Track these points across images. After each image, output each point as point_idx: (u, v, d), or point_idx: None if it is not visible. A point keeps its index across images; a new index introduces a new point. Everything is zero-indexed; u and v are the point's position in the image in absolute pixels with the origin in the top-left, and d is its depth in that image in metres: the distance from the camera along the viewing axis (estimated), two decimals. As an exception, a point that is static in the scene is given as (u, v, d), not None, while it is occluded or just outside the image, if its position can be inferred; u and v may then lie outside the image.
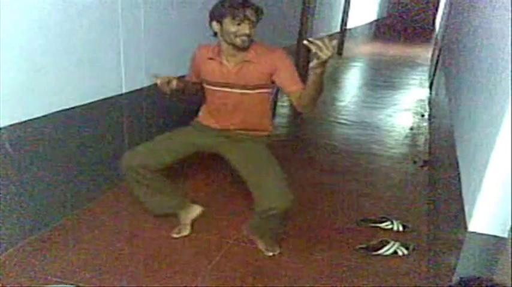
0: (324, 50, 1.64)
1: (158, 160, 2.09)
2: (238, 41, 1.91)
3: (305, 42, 1.66)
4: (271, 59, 2.01)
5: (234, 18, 1.86)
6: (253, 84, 2.06)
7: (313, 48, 1.64)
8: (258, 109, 2.16)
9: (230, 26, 1.88)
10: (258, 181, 1.97)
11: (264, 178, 1.97)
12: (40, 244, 2.16)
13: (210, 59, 2.06)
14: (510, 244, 1.27)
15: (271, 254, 2.18)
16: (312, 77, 1.79)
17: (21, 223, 2.12)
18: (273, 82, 2.09)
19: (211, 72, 2.08)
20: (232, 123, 2.18)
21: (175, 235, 2.29)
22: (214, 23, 1.96)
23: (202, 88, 2.25)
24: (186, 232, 2.30)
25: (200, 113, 2.31)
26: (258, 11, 1.93)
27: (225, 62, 2.03)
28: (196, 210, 2.39)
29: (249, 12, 1.87)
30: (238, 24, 1.88)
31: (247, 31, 1.88)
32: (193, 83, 2.28)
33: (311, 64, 1.72)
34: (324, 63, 1.70)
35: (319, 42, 1.63)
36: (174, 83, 1.99)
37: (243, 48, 1.96)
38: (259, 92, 2.10)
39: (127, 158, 2.10)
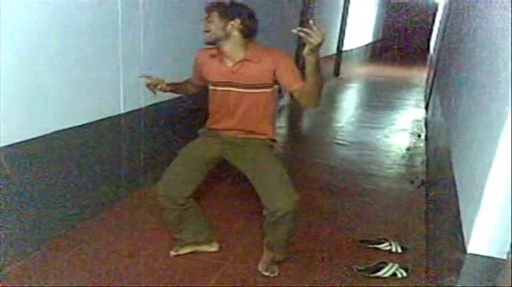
0: (313, 36, 1.70)
1: (183, 192, 2.11)
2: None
3: (294, 31, 1.72)
4: (272, 58, 2.04)
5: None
6: (253, 83, 2.07)
7: (303, 35, 1.70)
8: (257, 109, 2.14)
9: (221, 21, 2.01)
10: (263, 185, 2.01)
11: (268, 181, 2.01)
12: (36, 263, 2.14)
13: (212, 57, 2.12)
14: (508, 265, 1.27)
15: (267, 274, 2.16)
16: (308, 67, 1.84)
17: (17, 241, 2.10)
18: (275, 82, 2.10)
19: (213, 71, 2.13)
20: (233, 123, 2.17)
21: (173, 253, 2.28)
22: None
23: (196, 89, 2.41)
24: (184, 251, 2.30)
25: (208, 120, 2.30)
26: (213, 8, 2.00)
27: (224, 60, 2.08)
28: (213, 247, 2.37)
29: (206, 9, 2.01)
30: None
31: (202, 27, 2.02)
32: (184, 86, 2.40)
33: (304, 52, 1.77)
34: (314, 49, 1.75)
35: (307, 30, 1.70)
36: (163, 86, 2.19)
37: (214, 43, 2.04)
38: (259, 92, 2.09)
39: (160, 189, 2.10)
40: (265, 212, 2.01)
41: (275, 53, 2.07)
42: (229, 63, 2.07)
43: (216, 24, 1.98)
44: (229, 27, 1.99)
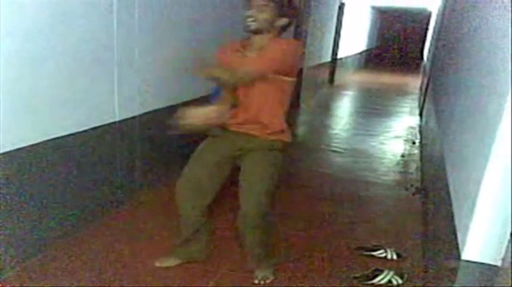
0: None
1: (207, 198, 2.11)
2: (244, 24, 1.94)
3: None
4: (276, 44, 1.95)
5: (248, 5, 1.92)
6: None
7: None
8: (270, 102, 2.02)
9: (246, 12, 1.93)
10: (242, 187, 2.03)
11: (249, 185, 2.01)
12: (36, 265, 2.13)
13: (237, 51, 2.03)
14: (503, 272, 1.27)
15: (256, 281, 2.17)
16: None
17: (18, 244, 2.09)
18: (283, 72, 1.97)
19: (233, 62, 1.99)
20: (245, 118, 2.05)
21: (157, 264, 2.27)
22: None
23: None
24: (170, 264, 2.29)
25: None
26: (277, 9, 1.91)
27: (248, 52, 2.00)
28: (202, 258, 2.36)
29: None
30: (249, 9, 1.93)
31: (249, 13, 1.91)
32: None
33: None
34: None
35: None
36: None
37: (254, 32, 1.95)
38: (272, 82, 1.97)
39: (179, 195, 2.09)
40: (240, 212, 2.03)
41: (287, 40, 2.01)
42: (251, 54, 1.98)
43: (267, 15, 1.90)
44: (277, 23, 1.93)
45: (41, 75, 2.05)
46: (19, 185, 2.05)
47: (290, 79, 2.00)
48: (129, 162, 2.86)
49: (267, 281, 2.18)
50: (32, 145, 2.06)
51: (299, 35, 6.58)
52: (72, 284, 2.06)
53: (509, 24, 1.45)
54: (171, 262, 2.28)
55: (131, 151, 2.86)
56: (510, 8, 1.49)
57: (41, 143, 2.11)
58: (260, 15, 1.91)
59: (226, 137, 2.09)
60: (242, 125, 2.06)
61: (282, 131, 2.07)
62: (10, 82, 1.89)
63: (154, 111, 3.02)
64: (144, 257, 2.33)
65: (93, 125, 2.45)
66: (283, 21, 1.94)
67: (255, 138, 2.05)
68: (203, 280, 2.18)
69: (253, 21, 1.91)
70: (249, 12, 1.91)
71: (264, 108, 2.00)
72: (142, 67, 2.79)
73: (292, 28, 6.36)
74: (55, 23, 2.08)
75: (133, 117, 2.81)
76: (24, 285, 2.03)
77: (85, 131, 2.40)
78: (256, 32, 1.93)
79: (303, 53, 6.60)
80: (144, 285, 2.10)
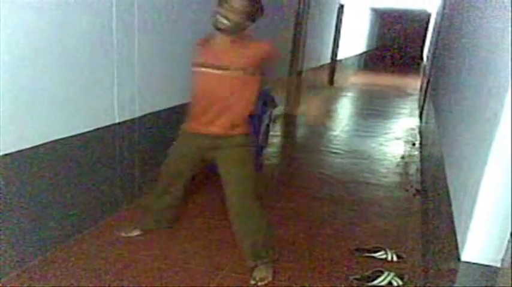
0: None
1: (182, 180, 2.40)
2: (213, 20, 1.96)
3: None
4: (260, 46, 2.03)
5: (222, 2, 1.94)
6: (235, 67, 2.02)
7: None
8: (237, 97, 2.08)
9: (215, 7, 1.96)
10: (224, 183, 2.19)
11: (229, 180, 2.17)
12: (36, 267, 2.14)
13: (207, 42, 2.11)
14: (503, 273, 1.27)
15: (253, 282, 2.17)
16: None
17: (18, 247, 2.09)
18: (260, 71, 2.08)
19: (202, 54, 2.09)
20: (212, 115, 2.11)
21: (123, 234, 2.52)
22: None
23: None
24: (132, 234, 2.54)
25: (187, 117, 2.28)
26: (248, 2, 1.95)
27: (215, 44, 2.06)
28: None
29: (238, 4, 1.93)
30: (221, 5, 1.94)
31: (222, 11, 1.93)
32: None
33: None
34: None
35: None
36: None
37: (223, 31, 1.99)
38: (240, 78, 2.03)
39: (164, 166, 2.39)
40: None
41: (264, 43, 2.04)
42: (219, 47, 2.04)
43: (237, 16, 1.93)
44: (246, 25, 1.97)
45: (41, 77, 2.06)
46: (19, 186, 2.05)
47: (260, 77, 2.11)
48: (129, 164, 2.86)
49: (265, 282, 2.17)
50: (32, 147, 2.06)
51: (298, 37, 6.59)
52: (72, 285, 2.06)
53: (508, 25, 1.45)
54: (133, 232, 2.54)
55: (131, 153, 2.86)
56: (510, 8, 1.50)
57: (41, 145, 2.12)
58: (233, 15, 1.93)
59: (189, 140, 2.24)
60: (203, 127, 2.15)
61: (241, 125, 2.16)
62: (9, 84, 1.89)
63: (155, 112, 3.02)
64: (144, 258, 2.33)
65: (93, 127, 2.46)
66: (251, 24, 1.98)
67: (219, 138, 2.15)
68: (204, 281, 2.18)
69: (225, 20, 1.93)
70: (222, 11, 1.93)
71: (229, 107, 2.08)
72: (142, 68, 2.79)
73: (291, 30, 6.38)
74: (54, 25, 2.08)
75: (133, 119, 2.81)
76: (25, 286, 2.03)
77: (85, 133, 2.40)
78: (223, 30, 1.96)
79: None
80: (144, 286, 2.10)
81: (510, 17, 1.45)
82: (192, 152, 2.27)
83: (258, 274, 2.20)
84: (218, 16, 1.95)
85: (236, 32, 2.00)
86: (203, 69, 2.07)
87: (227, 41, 2.02)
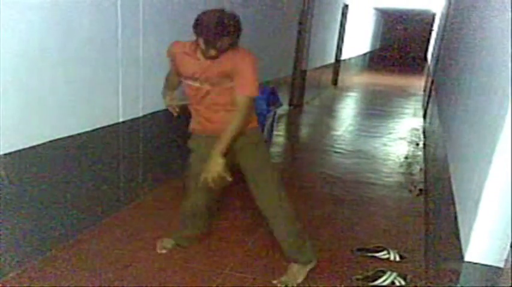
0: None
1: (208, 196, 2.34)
2: (206, 55, 1.98)
3: None
4: (233, 59, 1.99)
5: (205, 43, 1.92)
6: (215, 81, 2.03)
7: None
8: (225, 104, 2.09)
9: (202, 44, 1.94)
10: (253, 185, 2.17)
11: (254, 181, 2.17)
12: (37, 267, 2.14)
13: (186, 54, 2.08)
14: (506, 273, 1.27)
15: (275, 282, 2.20)
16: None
17: (19, 247, 2.10)
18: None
19: (187, 66, 2.08)
20: (207, 119, 2.14)
21: (159, 251, 2.42)
22: (195, 30, 1.99)
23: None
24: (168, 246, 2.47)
25: (191, 127, 2.27)
26: (231, 36, 1.91)
27: (199, 56, 2.03)
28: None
29: (219, 44, 1.89)
30: (208, 47, 1.93)
31: (213, 54, 1.93)
32: (172, 82, 2.38)
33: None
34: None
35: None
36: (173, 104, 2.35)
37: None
38: (223, 88, 2.04)
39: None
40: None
41: (239, 55, 1.99)
42: (202, 60, 2.02)
43: (224, 44, 1.90)
44: (229, 43, 1.92)
45: (44, 76, 2.06)
46: (21, 186, 2.05)
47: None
48: (131, 163, 2.87)
49: (285, 285, 2.17)
50: (34, 146, 2.07)
51: (302, 37, 6.59)
52: (72, 284, 2.07)
53: (510, 24, 1.45)
54: (169, 243, 2.46)
55: (133, 152, 2.87)
56: (510, 8, 1.49)
57: (43, 144, 2.12)
58: (220, 46, 1.90)
59: (205, 144, 2.14)
60: (214, 132, 2.10)
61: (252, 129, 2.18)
62: (13, 83, 1.90)
63: (158, 112, 3.03)
64: (144, 258, 2.34)
65: (96, 126, 2.46)
66: (234, 37, 1.92)
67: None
68: (205, 281, 2.18)
69: (212, 51, 1.92)
70: (212, 53, 1.93)
71: (218, 110, 2.09)
72: (146, 67, 2.80)
73: (295, 30, 6.38)
74: (59, 24, 2.09)
75: (137, 118, 2.82)
76: (25, 286, 2.03)
77: (87, 131, 2.41)
78: (215, 57, 1.96)
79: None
80: (144, 285, 2.10)
81: (511, 17, 1.45)
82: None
83: (285, 275, 2.22)
84: (209, 56, 1.96)
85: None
86: (191, 82, 2.08)
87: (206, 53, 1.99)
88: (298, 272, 2.23)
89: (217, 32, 1.85)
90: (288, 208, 2.19)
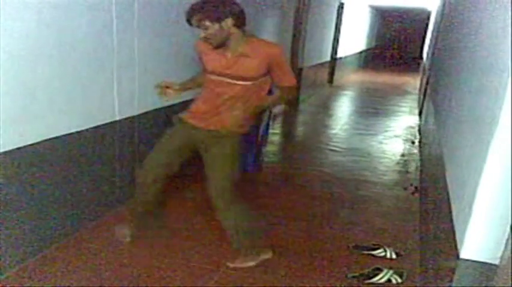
0: None
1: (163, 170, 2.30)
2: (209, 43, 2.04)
3: None
4: (268, 53, 2.06)
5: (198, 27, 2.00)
6: (248, 76, 2.08)
7: None
8: (251, 101, 2.15)
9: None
10: (207, 176, 2.22)
11: (211, 174, 2.20)
12: (37, 265, 2.14)
13: (212, 50, 2.08)
14: (501, 270, 1.28)
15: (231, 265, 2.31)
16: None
17: (18, 244, 2.09)
18: (266, 73, 2.12)
19: (213, 61, 2.12)
20: (217, 115, 2.16)
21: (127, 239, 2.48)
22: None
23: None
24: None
25: (189, 109, 2.29)
26: (204, 13, 1.94)
27: (226, 52, 2.07)
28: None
29: (194, 20, 1.96)
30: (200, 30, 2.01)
31: (202, 35, 2.00)
32: (198, 80, 2.35)
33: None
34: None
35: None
36: (175, 88, 2.27)
37: (221, 46, 2.04)
38: (247, 84, 2.10)
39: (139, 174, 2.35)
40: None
41: (271, 50, 2.08)
42: (229, 56, 2.07)
43: (212, 29, 1.95)
44: (225, 27, 1.96)
45: (41, 75, 2.05)
46: (19, 184, 2.05)
47: (261, 80, 2.13)
48: (129, 161, 2.86)
49: (242, 265, 2.30)
50: (32, 145, 2.07)
51: (298, 35, 6.59)
52: (72, 284, 2.07)
53: (507, 24, 1.46)
54: (127, 233, 2.48)
55: (131, 150, 2.86)
56: (510, 7, 1.50)
57: (40, 142, 2.12)
58: (207, 33, 1.97)
59: (185, 129, 2.24)
60: (202, 119, 2.18)
61: (242, 125, 2.18)
62: (10, 82, 1.89)
63: (154, 110, 3.02)
64: (144, 257, 2.34)
65: (92, 125, 2.46)
66: (229, 21, 1.96)
67: (215, 132, 2.16)
68: (203, 279, 2.19)
69: (209, 39, 1.99)
70: (201, 35, 2.00)
71: (234, 104, 2.10)
72: (142, 66, 2.79)
73: (291, 27, 6.37)
74: (55, 23, 2.08)
75: (133, 117, 2.81)
76: (24, 285, 2.03)
77: (84, 130, 2.40)
78: (223, 43, 2.02)
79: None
80: (144, 285, 2.11)
81: (510, 16, 1.45)
82: (184, 141, 2.26)
83: (239, 261, 2.32)
84: (204, 40, 2.02)
85: (230, 34, 2.00)
86: (214, 77, 2.12)
87: (234, 50, 2.05)
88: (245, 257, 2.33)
89: (195, 12, 1.95)
90: (232, 207, 2.22)
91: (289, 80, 2.17)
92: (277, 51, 2.09)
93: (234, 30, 1.98)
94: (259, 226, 2.42)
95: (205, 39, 1.99)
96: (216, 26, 1.93)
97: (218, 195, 2.18)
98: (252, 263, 2.33)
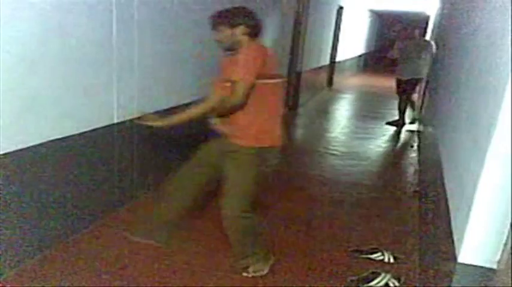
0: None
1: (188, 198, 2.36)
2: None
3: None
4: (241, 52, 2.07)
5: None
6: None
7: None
8: (247, 107, 2.07)
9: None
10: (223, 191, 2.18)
11: (226, 189, 2.15)
12: (37, 265, 2.14)
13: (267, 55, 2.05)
14: (499, 275, 1.28)
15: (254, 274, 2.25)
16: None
17: (18, 245, 2.08)
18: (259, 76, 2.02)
19: (273, 65, 2.11)
20: (224, 120, 2.17)
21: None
22: None
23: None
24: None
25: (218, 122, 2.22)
26: (221, 18, 2.07)
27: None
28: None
29: (213, 24, 2.10)
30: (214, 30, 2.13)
31: (215, 37, 2.12)
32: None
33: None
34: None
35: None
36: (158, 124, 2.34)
37: (230, 50, 2.11)
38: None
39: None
40: None
41: (245, 50, 2.01)
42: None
43: (224, 33, 2.08)
44: (236, 34, 2.06)
45: (40, 77, 2.06)
46: (19, 185, 2.05)
47: (268, 81, 2.05)
48: (128, 163, 2.86)
49: (259, 274, 2.24)
50: (32, 146, 2.07)
51: (297, 37, 6.60)
52: (72, 284, 2.07)
53: (505, 27, 1.46)
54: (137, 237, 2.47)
55: (130, 152, 2.86)
56: (508, 11, 1.51)
57: (40, 144, 2.12)
58: (219, 36, 2.10)
59: (215, 142, 2.27)
60: (224, 128, 2.20)
61: (257, 136, 2.12)
62: (10, 84, 1.89)
63: (154, 113, 3.02)
64: (144, 258, 2.34)
65: (91, 127, 2.46)
66: (241, 29, 2.06)
67: (231, 143, 2.15)
68: (203, 280, 2.19)
69: (219, 42, 2.11)
70: (215, 37, 2.11)
71: (240, 113, 2.08)
72: (141, 69, 2.80)
73: (290, 31, 6.39)
74: (55, 26, 2.08)
75: (132, 120, 2.81)
76: (24, 285, 2.03)
77: (83, 132, 2.40)
78: (229, 49, 2.11)
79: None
80: (143, 285, 2.11)
81: (510, 16, 1.46)
82: (214, 156, 2.25)
83: (251, 268, 2.26)
84: (216, 41, 2.12)
85: (240, 42, 2.06)
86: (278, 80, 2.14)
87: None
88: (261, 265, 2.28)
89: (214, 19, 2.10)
90: (239, 221, 2.16)
91: (235, 75, 1.97)
92: (247, 50, 2.00)
93: (243, 38, 2.07)
94: (262, 237, 2.33)
95: (217, 41, 2.11)
96: (228, 31, 2.07)
97: (227, 213, 2.14)
98: (264, 270, 2.27)
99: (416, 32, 6.06)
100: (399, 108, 6.32)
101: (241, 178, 2.13)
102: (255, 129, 2.10)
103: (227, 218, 2.15)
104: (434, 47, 5.86)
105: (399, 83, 6.30)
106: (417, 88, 6.29)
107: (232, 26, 2.06)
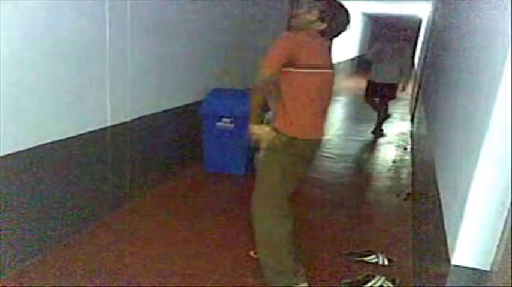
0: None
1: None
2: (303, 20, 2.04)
3: None
4: None
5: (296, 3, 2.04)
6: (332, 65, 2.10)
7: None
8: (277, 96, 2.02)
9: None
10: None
11: (258, 180, 2.09)
12: (37, 265, 2.15)
13: (308, 42, 1.96)
14: (492, 277, 1.28)
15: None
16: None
17: (18, 245, 2.06)
18: (289, 65, 1.92)
19: (313, 53, 1.96)
20: (321, 116, 2.06)
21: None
22: None
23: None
24: None
25: (291, 123, 2.00)
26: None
27: (313, 43, 1.98)
28: None
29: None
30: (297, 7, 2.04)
31: (298, 10, 2.02)
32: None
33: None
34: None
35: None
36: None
37: (293, 29, 2.04)
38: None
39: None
40: None
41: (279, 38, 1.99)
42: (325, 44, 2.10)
43: (302, 10, 1.98)
44: (310, 15, 1.98)
45: (34, 80, 2.05)
46: (19, 187, 2.05)
47: (301, 71, 1.92)
48: (126, 165, 2.85)
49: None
50: (29, 149, 2.06)
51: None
52: (72, 284, 2.06)
53: (498, 31, 1.47)
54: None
55: (128, 154, 2.85)
56: (508, 13, 1.52)
57: (38, 146, 2.11)
58: (298, 11, 1.99)
59: (297, 147, 2.04)
60: (317, 130, 2.09)
61: (288, 124, 1.98)
62: (3, 87, 1.88)
63: (147, 116, 3.01)
64: (144, 257, 2.33)
65: (85, 130, 2.44)
66: (315, 12, 1.98)
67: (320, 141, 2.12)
68: (202, 280, 2.18)
69: (293, 16, 2.01)
70: (298, 10, 2.00)
71: (278, 99, 2.01)
72: (134, 72, 2.79)
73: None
74: (48, 30, 2.07)
75: (125, 122, 2.80)
76: (24, 285, 2.02)
77: (77, 135, 2.39)
78: (293, 28, 2.01)
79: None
80: (143, 285, 2.09)
81: (510, 18, 1.47)
82: (296, 162, 2.05)
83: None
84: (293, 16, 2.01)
85: (303, 26, 2.00)
86: (319, 70, 1.98)
87: (322, 40, 2.03)
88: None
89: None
90: (264, 225, 2.06)
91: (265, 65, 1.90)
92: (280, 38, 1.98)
93: (313, 20, 1.98)
94: (293, 248, 2.16)
95: (294, 14, 2.01)
96: (305, 9, 1.98)
97: (254, 204, 2.06)
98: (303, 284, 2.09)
99: (403, 34, 6.02)
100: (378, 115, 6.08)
101: (269, 167, 1.99)
102: (287, 117, 1.97)
103: (253, 217, 2.04)
104: (409, 51, 5.80)
105: (369, 85, 6.18)
106: (394, 94, 6.02)
107: (309, 5, 1.97)
